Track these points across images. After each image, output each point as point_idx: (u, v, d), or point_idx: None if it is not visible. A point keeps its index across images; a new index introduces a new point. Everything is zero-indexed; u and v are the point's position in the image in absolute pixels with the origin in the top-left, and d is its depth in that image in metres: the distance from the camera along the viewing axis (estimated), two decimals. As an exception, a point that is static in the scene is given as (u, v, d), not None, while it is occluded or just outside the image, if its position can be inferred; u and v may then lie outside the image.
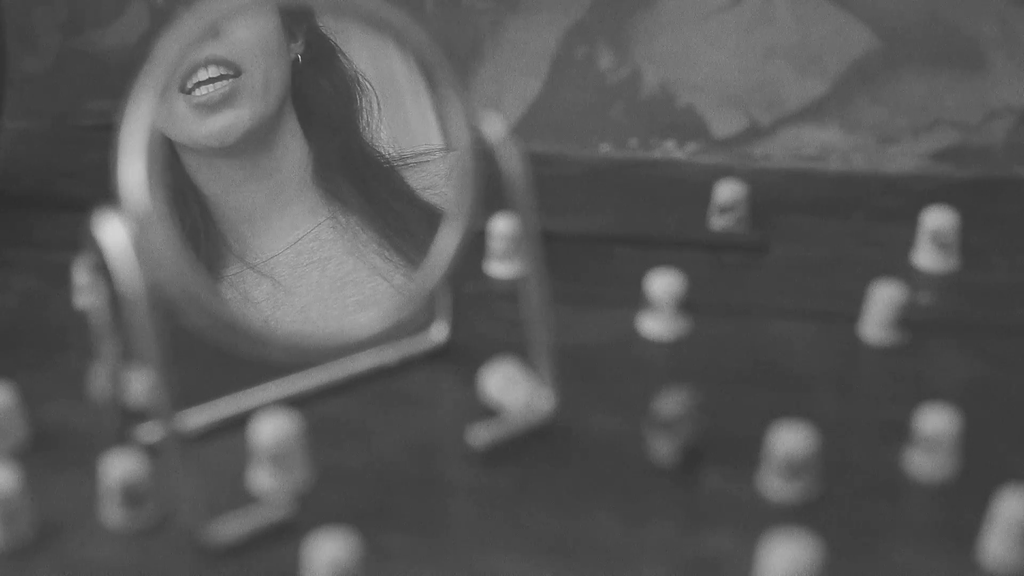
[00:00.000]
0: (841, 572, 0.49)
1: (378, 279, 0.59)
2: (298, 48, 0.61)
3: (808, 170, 0.77)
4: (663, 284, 0.61)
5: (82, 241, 0.50)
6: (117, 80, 0.55)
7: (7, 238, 0.69)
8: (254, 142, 0.60)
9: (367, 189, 0.61)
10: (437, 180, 0.60)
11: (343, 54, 0.61)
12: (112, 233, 0.48)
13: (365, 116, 0.62)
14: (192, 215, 0.60)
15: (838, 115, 0.77)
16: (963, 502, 0.52)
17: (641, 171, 0.77)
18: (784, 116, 0.77)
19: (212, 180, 0.60)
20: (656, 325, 0.62)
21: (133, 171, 0.48)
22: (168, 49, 0.49)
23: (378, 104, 0.61)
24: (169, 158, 0.60)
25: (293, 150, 0.61)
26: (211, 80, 0.59)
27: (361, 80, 0.61)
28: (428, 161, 0.60)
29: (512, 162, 0.54)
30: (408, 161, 0.61)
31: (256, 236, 0.61)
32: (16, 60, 0.76)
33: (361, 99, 0.61)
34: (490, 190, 0.54)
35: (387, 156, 0.61)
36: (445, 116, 0.55)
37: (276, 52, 0.60)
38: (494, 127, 0.54)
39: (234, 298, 0.59)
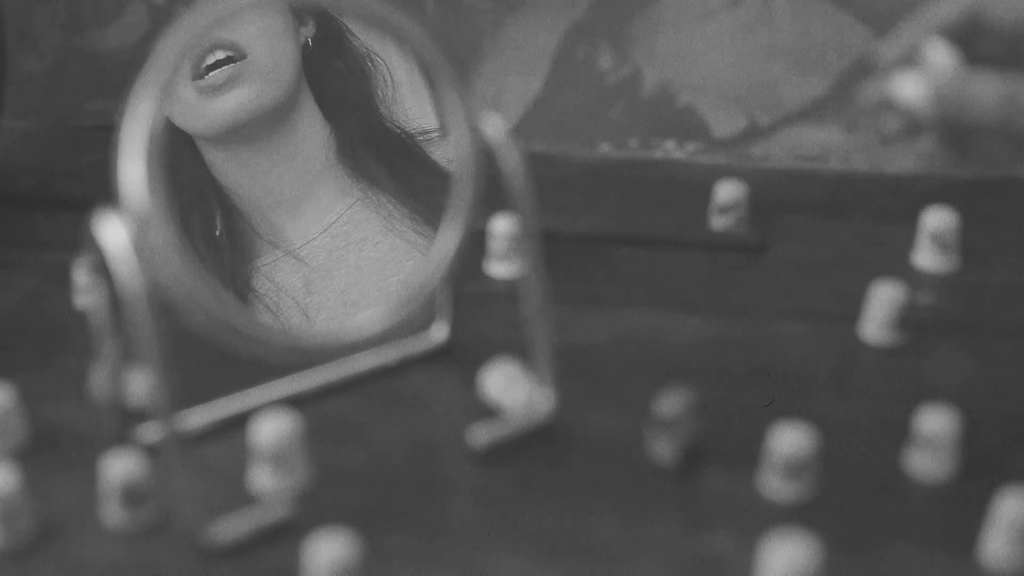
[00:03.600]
0: (841, 572, 0.49)
1: (416, 255, 0.59)
2: (308, 31, 0.61)
3: (808, 170, 0.77)
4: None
5: (82, 241, 0.50)
6: (117, 80, 0.55)
7: (7, 238, 0.69)
8: (271, 124, 0.60)
9: (392, 164, 0.61)
10: None
11: (351, 32, 0.61)
12: (112, 233, 0.48)
13: (380, 92, 0.62)
14: (215, 211, 0.60)
15: (838, 115, 0.77)
16: (963, 502, 0.52)
17: (641, 171, 0.77)
18: (784, 116, 0.77)
19: (238, 171, 0.61)
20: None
21: (133, 171, 0.48)
22: (168, 48, 0.49)
23: (391, 79, 0.61)
24: (189, 155, 0.60)
25: (313, 132, 0.61)
26: (219, 63, 0.59)
27: (372, 56, 0.61)
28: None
29: (512, 162, 0.54)
30: (432, 135, 0.61)
31: (289, 222, 0.61)
32: (16, 60, 0.76)
33: (375, 75, 0.62)
34: (490, 190, 0.54)
35: (406, 129, 0.61)
36: (445, 116, 0.55)
37: (282, 34, 0.60)
38: (494, 127, 0.54)
39: (269, 289, 0.60)
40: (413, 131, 0.61)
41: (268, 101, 0.60)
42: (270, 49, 0.60)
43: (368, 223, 0.61)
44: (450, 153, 0.55)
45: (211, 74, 0.59)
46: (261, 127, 0.60)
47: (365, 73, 0.62)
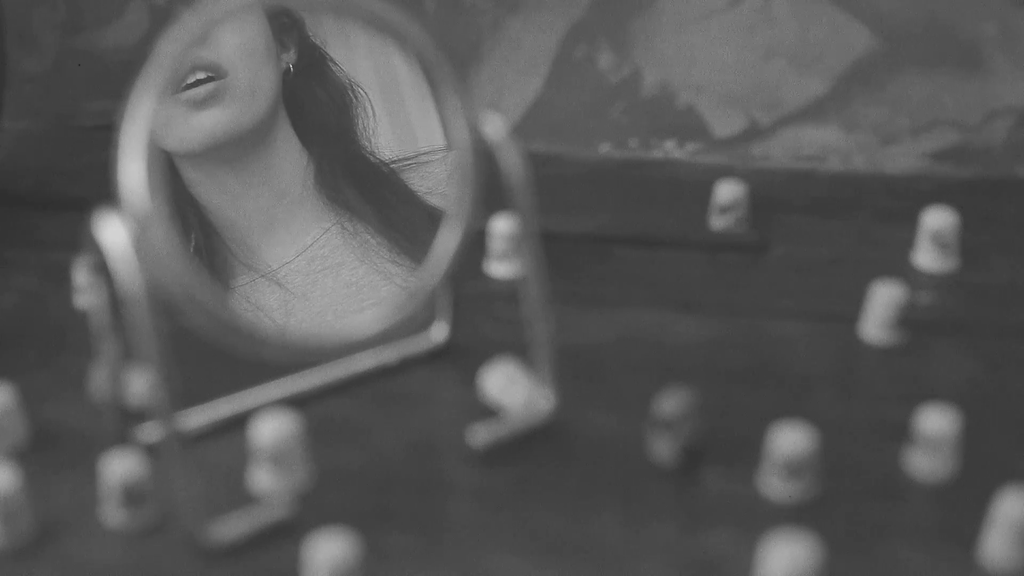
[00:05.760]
0: (841, 572, 0.49)
1: (392, 284, 0.60)
2: (290, 58, 0.61)
3: (808, 170, 0.77)
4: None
5: (82, 241, 0.50)
6: (117, 80, 0.55)
7: (7, 238, 0.69)
8: (247, 146, 0.61)
9: (372, 195, 0.61)
10: (439, 183, 0.60)
11: (334, 62, 0.61)
12: (112, 233, 0.48)
13: (361, 123, 0.62)
14: (194, 229, 0.60)
15: (838, 115, 0.77)
16: (963, 502, 0.52)
17: (641, 171, 0.77)
18: (784, 116, 0.77)
19: (213, 192, 0.61)
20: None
21: (133, 171, 0.48)
22: (168, 49, 0.49)
23: (372, 111, 0.61)
24: (168, 174, 0.60)
25: (290, 158, 0.61)
26: (198, 83, 0.59)
27: (354, 87, 0.62)
28: (429, 163, 0.60)
29: (512, 162, 0.54)
30: (408, 162, 0.61)
31: (263, 246, 0.61)
32: (16, 60, 0.76)
33: (356, 106, 0.62)
34: (490, 190, 0.54)
35: (387, 161, 0.61)
36: (445, 116, 0.55)
37: (263, 57, 0.60)
38: (494, 127, 0.54)
39: (246, 308, 0.60)
40: (395, 159, 0.61)
41: (246, 122, 0.60)
42: (251, 70, 0.60)
43: (344, 248, 0.61)
44: (449, 156, 0.55)
45: (192, 90, 0.59)
46: (237, 148, 0.60)
47: (346, 103, 0.62)
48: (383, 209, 0.61)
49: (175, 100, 0.59)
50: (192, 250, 0.60)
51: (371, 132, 0.62)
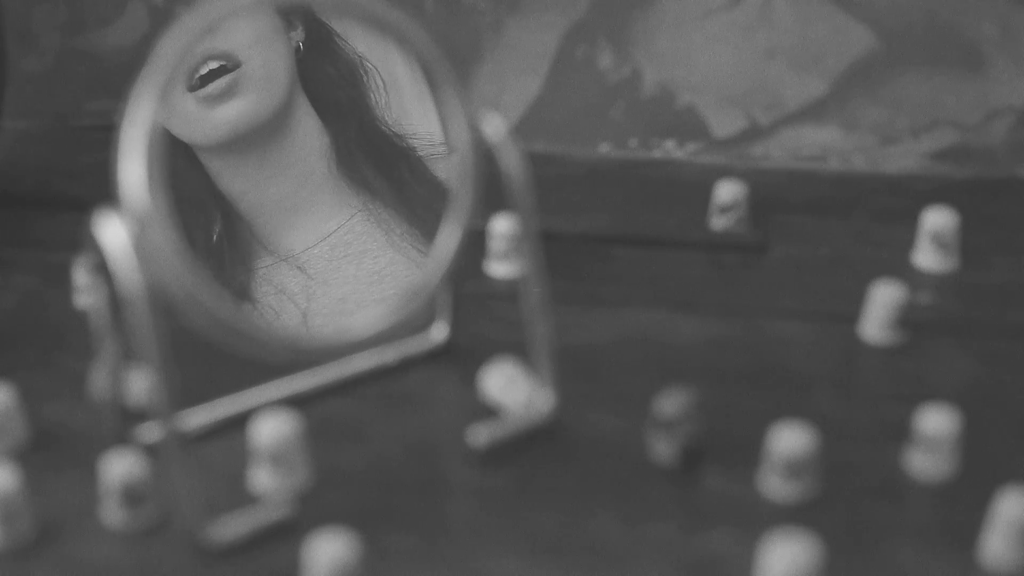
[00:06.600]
0: (841, 572, 0.49)
1: (415, 270, 0.59)
2: (298, 36, 0.61)
3: (808, 170, 0.77)
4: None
5: (82, 241, 0.50)
6: (117, 80, 0.55)
7: (7, 238, 0.69)
8: (268, 134, 0.61)
9: (391, 173, 0.61)
10: None
11: (340, 37, 0.61)
12: (112, 233, 0.48)
13: (373, 96, 0.62)
14: (214, 217, 0.60)
15: (838, 115, 0.77)
16: (963, 502, 0.52)
17: (641, 171, 0.77)
18: (784, 116, 0.77)
19: (235, 180, 0.61)
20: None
21: (133, 171, 0.48)
22: (168, 49, 0.49)
23: (383, 85, 0.61)
24: (188, 163, 0.60)
25: (311, 139, 0.61)
26: (212, 73, 0.59)
27: (364, 61, 0.61)
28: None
29: (512, 162, 0.54)
30: (430, 152, 0.61)
31: (287, 231, 0.61)
32: (16, 60, 0.76)
33: (367, 80, 0.62)
34: (490, 190, 0.54)
35: (402, 135, 0.61)
36: (445, 116, 0.55)
37: (273, 41, 0.60)
38: (494, 127, 0.54)
39: (268, 290, 0.60)
40: (411, 136, 0.61)
41: (266, 110, 0.60)
42: (264, 56, 0.60)
43: (368, 236, 0.61)
44: (450, 154, 0.55)
45: (210, 85, 0.59)
46: (259, 135, 0.60)
47: (357, 79, 0.62)
48: (401, 189, 0.61)
49: (193, 97, 0.59)
50: (215, 238, 0.60)
51: (384, 105, 0.61)
